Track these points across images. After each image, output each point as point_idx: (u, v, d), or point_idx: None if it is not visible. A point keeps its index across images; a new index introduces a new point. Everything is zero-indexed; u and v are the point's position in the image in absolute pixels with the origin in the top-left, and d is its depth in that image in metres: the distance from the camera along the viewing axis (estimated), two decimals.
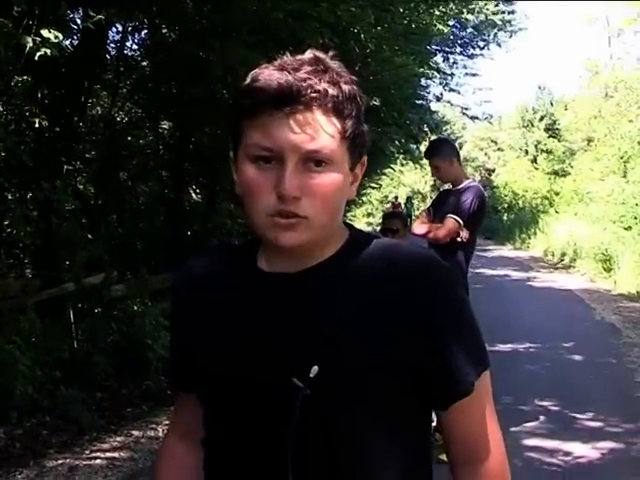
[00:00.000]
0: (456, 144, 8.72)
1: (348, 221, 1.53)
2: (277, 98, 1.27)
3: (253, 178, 1.32)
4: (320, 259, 1.39)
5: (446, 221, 5.41)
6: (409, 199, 43.06)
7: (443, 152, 5.68)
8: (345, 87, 1.32)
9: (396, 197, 42.56)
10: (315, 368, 1.30)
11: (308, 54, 1.35)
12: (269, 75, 1.30)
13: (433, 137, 21.31)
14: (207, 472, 1.49)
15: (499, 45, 24.82)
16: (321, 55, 1.35)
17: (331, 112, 1.30)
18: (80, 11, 8.65)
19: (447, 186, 5.93)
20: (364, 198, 40.19)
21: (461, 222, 5.38)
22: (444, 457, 1.51)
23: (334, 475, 1.34)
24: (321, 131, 1.29)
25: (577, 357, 9.01)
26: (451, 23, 20.71)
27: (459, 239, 5.41)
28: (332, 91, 1.30)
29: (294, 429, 1.31)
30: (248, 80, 1.34)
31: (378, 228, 7.24)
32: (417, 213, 20.16)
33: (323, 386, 1.30)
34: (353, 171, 1.39)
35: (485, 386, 1.42)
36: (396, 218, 6.28)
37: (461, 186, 5.58)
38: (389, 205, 41.18)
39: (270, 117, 1.28)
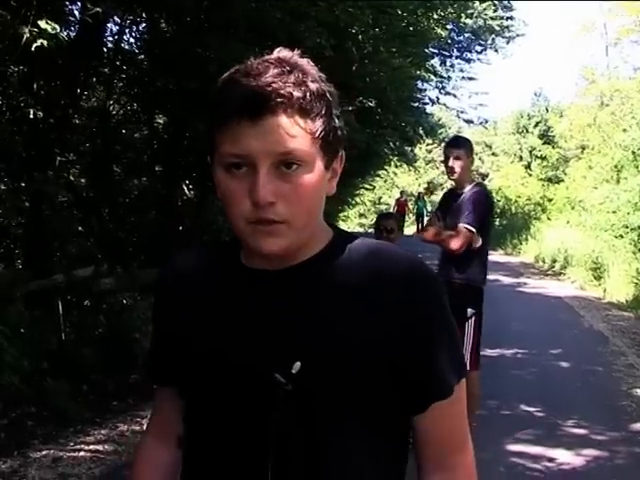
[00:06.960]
0: None
1: (341, 221, 1.52)
2: (242, 107, 1.27)
3: (227, 186, 1.32)
4: (302, 258, 1.39)
5: (460, 232, 5.35)
6: (420, 196, 40.20)
7: (467, 148, 5.61)
8: (312, 86, 1.31)
9: (402, 192, 40.81)
10: (298, 364, 1.31)
11: (274, 54, 1.34)
12: (234, 82, 1.30)
13: (428, 140, 21.33)
14: (186, 466, 1.49)
15: (496, 51, 24.97)
16: (287, 54, 1.34)
17: (297, 114, 1.29)
18: (78, 3, 8.65)
19: (449, 185, 5.84)
20: (357, 199, 39.91)
21: (474, 231, 5.34)
22: None
23: (315, 472, 1.34)
24: (288, 134, 1.28)
25: (564, 364, 9.02)
26: (449, 27, 20.79)
27: (474, 246, 5.41)
28: (297, 93, 1.29)
29: (276, 424, 1.32)
30: (219, 87, 1.34)
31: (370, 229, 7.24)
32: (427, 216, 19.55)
33: (305, 382, 1.31)
34: (329, 168, 1.38)
35: (462, 394, 1.44)
36: (391, 219, 6.32)
37: (466, 190, 5.53)
38: (394, 200, 39.99)
39: (238, 125, 1.27)
